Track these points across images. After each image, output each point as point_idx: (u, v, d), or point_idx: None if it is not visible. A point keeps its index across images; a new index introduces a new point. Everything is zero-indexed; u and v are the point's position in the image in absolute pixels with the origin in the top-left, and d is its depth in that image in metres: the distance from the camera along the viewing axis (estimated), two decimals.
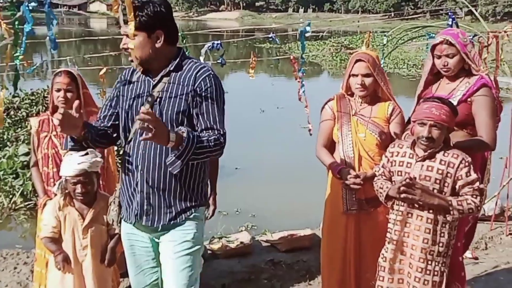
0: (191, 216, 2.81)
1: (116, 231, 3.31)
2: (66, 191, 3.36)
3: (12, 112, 9.36)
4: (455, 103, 3.41)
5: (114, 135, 2.91)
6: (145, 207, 2.79)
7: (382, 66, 3.96)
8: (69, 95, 3.69)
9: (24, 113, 9.25)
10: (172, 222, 2.79)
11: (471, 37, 4.50)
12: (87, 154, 3.27)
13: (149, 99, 2.73)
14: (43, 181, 3.83)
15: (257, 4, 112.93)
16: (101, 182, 3.77)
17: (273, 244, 5.41)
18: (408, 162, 3.18)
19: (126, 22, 2.62)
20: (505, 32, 5.43)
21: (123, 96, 2.86)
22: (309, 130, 5.20)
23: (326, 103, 3.80)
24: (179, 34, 3.17)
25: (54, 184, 3.56)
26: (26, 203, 6.96)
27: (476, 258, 5.25)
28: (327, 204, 3.82)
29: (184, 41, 4.45)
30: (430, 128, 3.05)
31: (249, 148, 10.58)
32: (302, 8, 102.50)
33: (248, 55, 26.78)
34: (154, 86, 2.75)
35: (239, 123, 12.94)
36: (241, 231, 6.03)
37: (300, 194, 7.60)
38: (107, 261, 3.42)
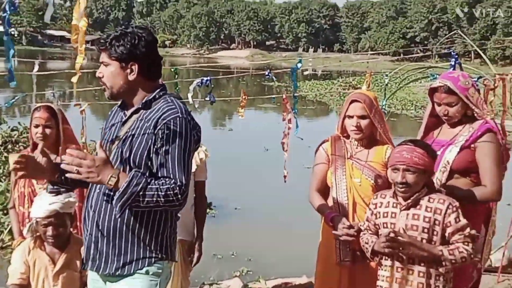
0: (143, 270, 2.52)
1: None
2: (37, 233, 3.13)
3: (9, 146, 9.20)
4: (457, 149, 3.20)
5: None
6: (91, 251, 2.58)
7: (384, 107, 3.74)
8: (47, 131, 3.52)
9: (22, 147, 9.08)
10: (118, 272, 2.53)
11: (474, 79, 4.28)
12: (59, 193, 3.05)
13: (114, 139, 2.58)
14: (19, 221, 3.62)
15: (267, 43, 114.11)
16: (79, 224, 3.56)
17: None
18: (392, 212, 2.97)
19: (101, 49, 2.53)
20: None
21: (104, 130, 2.73)
22: (284, 176, 4.98)
23: (320, 145, 3.58)
24: (173, 69, 3.00)
25: None
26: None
27: None
28: (320, 253, 3.57)
29: (176, 76, 4.28)
30: (404, 172, 2.87)
31: (251, 187, 10.35)
32: (312, 47, 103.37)
33: (257, 92, 26.79)
34: (124, 123, 2.60)
35: (242, 161, 12.76)
36: (235, 276, 5.76)
37: (301, 238, 7.31)
38: None
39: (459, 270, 3.04)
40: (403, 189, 2.89)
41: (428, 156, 2.90)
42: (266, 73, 4.87)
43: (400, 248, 2.84)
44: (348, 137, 3.51)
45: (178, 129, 2.45)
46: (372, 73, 4.92)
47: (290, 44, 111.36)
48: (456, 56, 4.55)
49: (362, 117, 3.35)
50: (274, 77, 4.85)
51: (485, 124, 3.22)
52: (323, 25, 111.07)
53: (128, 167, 2.47)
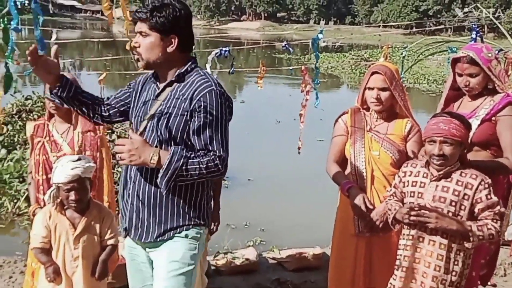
0: (182, 234, 2.63)
1: (111, 242, 3.27)
2: (58, 199, 3.17)
3: (24, 115, 9.24)
4: (478, 122, 3.19)
5: (93, 113, 2.82)
6: (133, 220, 2.67)
7: (401, 80, 3.71)
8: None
9: (36, 116, 9.13)
10: (159, 239, 2.64)
11: (496, 51, 4.24)
12: (79, 159, 3.10)
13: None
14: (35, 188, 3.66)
15: (278, 15, 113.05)
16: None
17: (281, 262, 5.17)
18: (422, 182, 2.94)
19: (141, 20, 2.53)
20: None
21: (133, 102, 2.77)
22: (298, 148, 4.99)
23: (339, 117, 3.57)
24: None
25: (44, 192, 3.41)
26: None
27: (495, 286, 4.96)
28: (337, 224, 3.59)
29: (193, 47, 4.25)
30: (441, 144, 2.82)
31: (263, 159, 10.37)
32: (323, 20, 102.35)
33: (268, 64, 26.66)
34: (158, 95, 2.63)
35: (254, 133, 12.77)
36: (249, 246, 5.81)
37: (313, 209, 7.36)
38: (98, 274, 3.20)
39: None
40: (439, 162, 2.84)
41: (464, 128, 2.85)
42: (283, 45, 4.85)
43: (428, 220, 2.80)
44: (368, 109, 3.50)
45: (214, 103, 2.51)
46: (389, 46, 4.88)
47: (301, 16, 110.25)
48: (477, 29, 4.47)
49: (383, 89, 3.33)
50: (290, 49, 4.81)
51: (507, 97, 3.20)
52: None
53: (166, 144, 2.53)
